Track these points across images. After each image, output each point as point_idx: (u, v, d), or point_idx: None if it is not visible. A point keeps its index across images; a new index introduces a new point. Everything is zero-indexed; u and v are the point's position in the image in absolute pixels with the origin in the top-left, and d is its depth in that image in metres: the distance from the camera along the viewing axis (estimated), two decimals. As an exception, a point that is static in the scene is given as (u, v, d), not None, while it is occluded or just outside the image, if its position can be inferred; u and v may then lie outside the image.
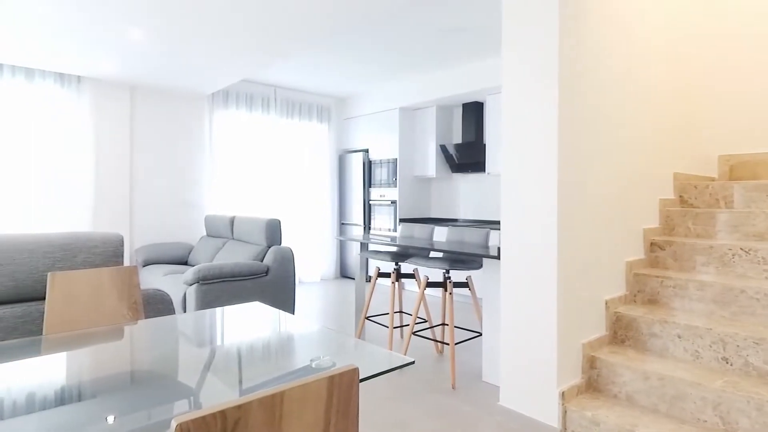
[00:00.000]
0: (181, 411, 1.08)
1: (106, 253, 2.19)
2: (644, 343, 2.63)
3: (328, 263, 7.04)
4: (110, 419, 1.03)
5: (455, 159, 5.95)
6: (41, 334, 2.04)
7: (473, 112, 5.82)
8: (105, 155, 5.25)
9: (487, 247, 3.32)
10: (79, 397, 1.14)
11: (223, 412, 0.71)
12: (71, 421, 1.01)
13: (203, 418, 0.69)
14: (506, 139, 2.64)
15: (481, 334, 3.35)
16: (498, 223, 5.60)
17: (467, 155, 5.80)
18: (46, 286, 2.09)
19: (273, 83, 6.28)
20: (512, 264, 2.62)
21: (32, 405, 1.10)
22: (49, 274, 1.81)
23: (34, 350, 1.48)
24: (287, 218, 6.62)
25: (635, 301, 2.94)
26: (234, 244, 4.66)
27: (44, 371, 1.31)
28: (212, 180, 5.97)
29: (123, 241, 2.25)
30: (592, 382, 2.58)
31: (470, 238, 3.62)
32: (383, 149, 6.48)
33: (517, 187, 2.60)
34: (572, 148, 2.52)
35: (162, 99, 5.66)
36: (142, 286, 4.59)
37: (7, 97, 4.67)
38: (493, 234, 5.01)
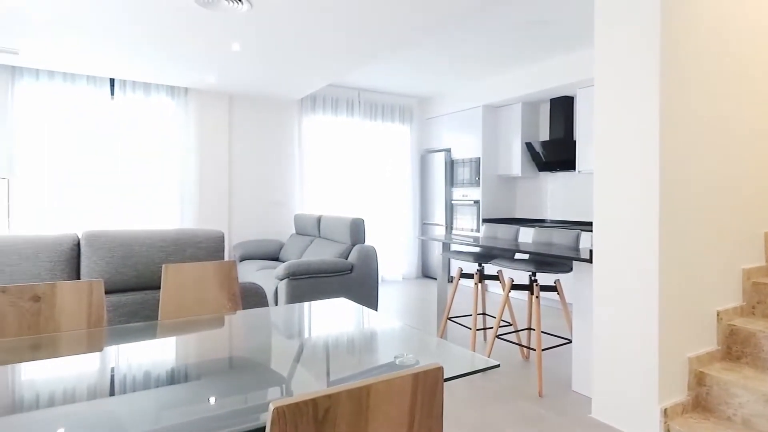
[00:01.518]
0: (274, 397, 1.14)
1: (210, 249, 2.39)
2: (765, 360, 2.32)
3: (409, 262, 7.08)
4: (212, 400, 1.11)
5: (542, 157, 5.70)
6: (157, 319, 2.27)
7: (562, 108, 5.53)
8: (207, 159, 5.73)
9: (577, 249, 3.14)
10: (186, 378, 1.25)
11: (314, 400, 0.74)
12: (180, 399, 1.11)
13: (297, 404, 0.72)
14: (599, 134, 2.47)
15: (570, 341, 3.17)
16: (590, 224, 5.27)
17: (555, 153, 5.52)
18: (160, 276, 2.32)
19: (357, 86, 6.45)
20: (606, 268, 2.45)
21: (148, 382, 1.22)
22: (163, 266, 2.01)
23: (151, 333, 1.65)
24: (371, 218, 6.76)
25: (754, 314, 2.61)
26: (320, 242, 4.85)
27: (158, 353, 1.46)
28: (301, 181, 6.27)
29: (224, 238, 2.44)
30: (701, 401, 2.33)
31: (559, 239, 3.44)
32: (466, 148, 6.37)
33: (611, 186, 2.42)
34: (675, 142, 2.29)
35: (256, 106, 6.05)
36: (240, 280, 4.93)
37: (130, 109, 5.27)
38: (584, 235, 4.72)
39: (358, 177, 6.63)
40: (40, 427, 0.97)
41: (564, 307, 3.34)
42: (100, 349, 1.48)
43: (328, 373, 1.29)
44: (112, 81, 5.17)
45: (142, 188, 5.38)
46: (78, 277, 2.18)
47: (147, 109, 5.37)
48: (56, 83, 4.91)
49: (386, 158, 6.88)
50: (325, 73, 4.96)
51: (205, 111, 5.71)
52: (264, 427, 0.95)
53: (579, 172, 5.21)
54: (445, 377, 1.22)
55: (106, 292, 2.23)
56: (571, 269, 3.14)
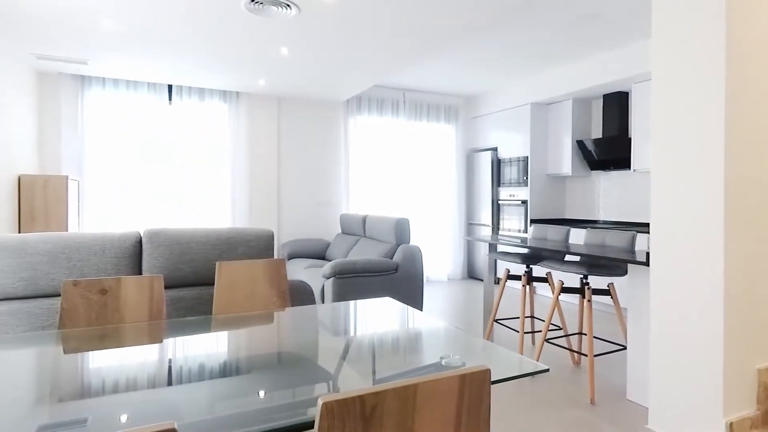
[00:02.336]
0: (321, 393, 1.16)
1: (260, 247, 2.47)
2: None
3: (455, 263, 7.01)
4: (261, 394, 1.15)
5: (594, 155, 5.48)
6: (211, 313, 2.36)
7: (616, 104, 5.29)
8: (257, 160, 5.92)
9: (633, 251, 2.99)
10: (237, 371, 1.30)
11: (362, 397, 0.75)
12: (232, 391, 1.15)
13: (345, 400, 0.73)
14: (657, 130, 2.34)
15: (625, 348, 3.03)
16: (646, 225, 5.01)
17: (609, 151, 5.29)
18: (214, 273, 2.42)
19: (402, 87, 6.46)
20: (664, 272, 2.32)
21: (203, 374, 1.27)
22: (217, 263, 2.09)
23: (206, 327, 1.73)
24: (416, 218, 6.75)
25: (834, 323, 2.38)
26: (366, 242, 4.89)
27: (212, 346, 1.52)
28: (347, 181, 6.35)
29: (273, 237, 2.51)
30: (772, 416, 2.16)
31: (613, 241, 3.29)
32: (513, 147, 6.23)
33: (670, 185, 2.29)
34: (741, 138, 2.14)
35: (304, 108, 6.19)
36: (288, 278, 5.04)
37: (186, 113, 5.53)
38: (640, 237, 4.49)
39: (404, 177, 6.63)
40: (106, 412, 1.04)
41: (618, 311, 3.20)
42: (160, 341, 1.56)
43: (374, 372, 1.29)
44: (170, 87, 5.45)
45: (197, 188, 5.63)
46: (140, 273, 2.31)
47: (202, 113, 5.62)
48: (120, 91, 5.23)
49: (431, 158, 6.84)
50: (371, 74, 5.00)
51: (255, 114, 5.90)
52: (311, 422, 0.97)
53: (635, 170, 4.97)
54: (492, 380, 1.19)
55: (165, 287, 2.35)
56: (625, 272, 3.00)
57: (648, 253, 2.55)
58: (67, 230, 4.51)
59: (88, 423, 0.98)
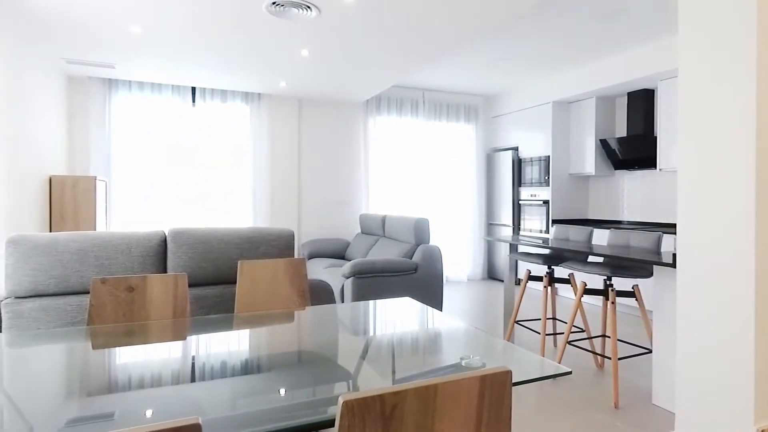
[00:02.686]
0: (341, 392, 1.16)
1: (281, 246, 2.49)
2: None
3: (475, 263, 6.95)
4: (282, 391, 1.16)
5: (618, 154, 5.37)
6: (233, 312, 2.40)
7: (641, 101, 5.17)
8: (279, 160, 5.98)
9: (658, 252, 2.92)
10: (259, 369, 1.31)
11: (382, 396, 0.75)
12: (253, 389, 1.17)
13: (365, 399, 0.73)
14: (684, 128, 2.28)
15: (650, 351, 2.96)
16: (673, 225, 4.89)
17: (633, 150, 5.18)
18: (236, 271, 2.45)
19: (421, 86, 6.44)
20: (691, 274, 2.26)
21: (225, 371, 1.29)
22: (239, 262, 2.12)
23: (227, 325, 1.75)
24: (435, 218, 6.72)
25: None
26: (385, 242, 4.90)
27: (234, 344, 1.54)
28: (366, 181, 6.36)
29: (294, 236, 2.54)
30: (806, 424, 2.08)
31: (638, 241, 3.22)
32: (534, 146, 6.15)
33: (698, 184, 2.23)
34: (778, 136, 2.06)
35: (324, 109, 6.23)
36: (308, 277, 5.08)
37: (209, 115, 5.63)
38: (666, 238, 4.38)
39: (423, 177, 6.62)
40: (132, 406, 1.06)
41: (643, 314, 3.13)
42: (184, 338, 1.59)
43: (393, 371, 1.29)
44: (193, 89, 5.55)
45: (219, 189, 5.72)
46: (165, 271, 2.36)
47: (224, 115, 5.71)
48: (145, 93, 5.35)
49: (451, 158, 6.81)
50: (391, 74, 5.00)
51: (276, 115, 5.97)
52: (331, 420, 0.98)
53: (660, 170, 4.85)
54: (513, 381, 1.18)
55: (189, 285, 2.39)
56: (651, 274, 2.93)
57: (674, 255, 2.48)
58: (95, 229, 4.64)
59: (115, 417, 1.00)
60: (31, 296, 2.13)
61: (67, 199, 4.54)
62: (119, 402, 1.09)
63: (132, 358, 1.40)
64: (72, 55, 4.39)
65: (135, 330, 1.67)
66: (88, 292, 2.20)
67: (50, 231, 4.53)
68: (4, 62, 3.43)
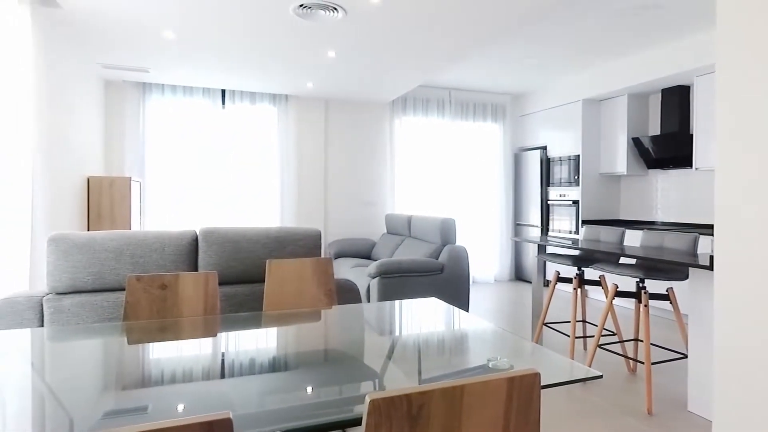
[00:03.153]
0: (367, 391, 1.17)
1: (308, 246, 2.52)
2: None
3: (502, 264, 6.86)
4: (309, 389, 1.17)
5: (652, 153, 5.20)
6: (261, 310, 2.44)
7: (676, 98, 5.00)
8: (306, 160, 6.05)
9: (694, 254, 2.82)
10: (286, 367, 1.33)
11: (409, 396, 0.75)
12: (280, 386, 1.18)
13: (392, 398, 0.73)
14: (722, 125, 2.19)
15: (685, 356, 2.86)
16: (710, 227, 4.71)
17: (668, 148, 5.01)
18: (265, 270, 2.49)
19: (448, 86, 6.40)
20: (730, 276, 2.17)
21: (253, 368, 1.31)
22: (267, 261, 2.15)
23: (256, 323, 1.78)
24: (462, 218, 6.67)
25: None
26: (411, 242, 4.89)
27: (262, 342, 1.57)
28: (392, 181, 6.37)
29: (320, 236, 2.56)
30: None
31: (672, 243, 3.12)
32: (563, 145, 6.03)
33: (737, 184, 2.14)
34: (826, 132, 1.96)
35: (350, 109, 6.26)
36: (335, 276, 5.12)
37: (238, 117, 5.74)
38: (703, 240, 4.22)
39: (449, 177, 6.58)
40: (165, 400, 1.09)
41: (678, 318, 3.02)
42: (214, 335, 1.62)
43: (419, 372, 1.29)
44: (223, 92, 5.67)
45: (248, 189, 5.83)
46: (196, 269, 2.42)
47: (253, 117, 5.81)
48: (177, 96, 5.50)
49: (478, 158, 6.74)
50: (417, 74, 4.99)
51: (303, 116, 6.04)
52: (357, 419, 0.98)
53: (697, 169, 4.68)
54: (542, 384, 1.16)
55: (219, 284, 2.45)
56: (686, 276, 2.83)
57: (712, 257, 2.39)
58: (130, 228, 4.80)
59: (148, 410, 1.04)
60: (70, 292, 2.21)
61: (103, 199, 4.71)
62: (152, 396, 1.12)
63: (164, 353, 1.44)
64: (108, 60, 4.55)
65: (167, 326, 1.72)
66: (123, 289, 2.28)
67: (88, 230, 4.71)
68: (45, 68, 3.59)
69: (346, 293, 2.59)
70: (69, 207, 4.16)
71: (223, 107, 5.68)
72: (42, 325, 2.15)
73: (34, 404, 1.07)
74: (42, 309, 2.15)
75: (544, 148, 6.42)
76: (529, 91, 6.66)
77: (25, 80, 2.97)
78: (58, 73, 3.87)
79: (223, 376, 1.26)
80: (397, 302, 2.12)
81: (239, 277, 2.45)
